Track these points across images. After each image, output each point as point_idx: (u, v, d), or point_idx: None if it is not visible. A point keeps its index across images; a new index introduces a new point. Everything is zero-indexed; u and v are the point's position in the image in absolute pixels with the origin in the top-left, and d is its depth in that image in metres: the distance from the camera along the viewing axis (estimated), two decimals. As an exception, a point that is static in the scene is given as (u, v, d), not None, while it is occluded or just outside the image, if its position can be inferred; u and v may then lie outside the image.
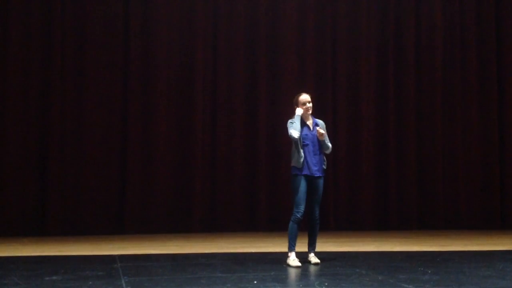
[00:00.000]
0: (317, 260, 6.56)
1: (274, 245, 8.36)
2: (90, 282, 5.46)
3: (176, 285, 5.39)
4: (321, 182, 6.54)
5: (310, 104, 6.60)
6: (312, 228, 6.64)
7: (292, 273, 6.01)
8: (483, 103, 11.28)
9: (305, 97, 6.63)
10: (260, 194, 10.45)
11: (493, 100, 11.28)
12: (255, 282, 5.51)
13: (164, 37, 10.43)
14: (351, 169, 10.90)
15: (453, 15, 11.31)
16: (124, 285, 5.36)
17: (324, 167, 6.59)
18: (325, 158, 6.63)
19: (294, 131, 6.44)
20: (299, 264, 6.35)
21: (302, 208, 6.42)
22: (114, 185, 10.18)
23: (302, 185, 6.42)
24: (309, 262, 6.55)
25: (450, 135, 11.19)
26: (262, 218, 10.41)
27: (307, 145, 6.51)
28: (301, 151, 6.47)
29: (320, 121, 6.73)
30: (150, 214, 10.21)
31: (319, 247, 8.23)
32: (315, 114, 10.68)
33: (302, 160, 6.44)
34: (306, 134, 6.54)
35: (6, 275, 5.85)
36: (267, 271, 6.12)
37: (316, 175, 6.49)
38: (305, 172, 6.45)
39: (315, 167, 6.49)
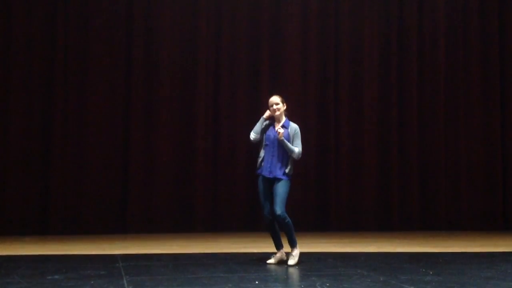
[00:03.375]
0: (289, 262, 6.51)
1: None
2: (92, 282, 5.46)
3: (177, 284, 5.40)
4: (278, 183, 6.45)
5: (277, 106, 6.55)
6: (280, 227, 6.58)
7: (294, 273, 6.01)
8: (486, 103, 11.26)
9: (271, 99, 6.65)
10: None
11: (496, 101, 11.26)
12: (257, 282, 5.52)
13: (166, 38, 10.44)
14: (353, 169, 10.90)
15: (456, 15, 11.29)
16: (126, 284, 5.36)
17: (286, 170, 6.48)
18: (289, 162, 6.50)
19: (252, 132, 6.61)
20: (269, 261, 6.60)
21: (265, 208, 6.56)
22: (116, 185, 10.19)
23: (260, 186, 6.58)
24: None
25: (453, 136, 11.18)
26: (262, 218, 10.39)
27: (267, 145, 6.55)
28: (262, 151, 6.57)
29: (293, 125, 6.61)
30: (152, 214, 10.22)
31: (321, 248, 8.24)
32: (316, 114, 10.79)
33: (259, 160, 6.57)
34: (269, 135, 6.56)
35: (8, 274, 5.86)
36: (268, 271, 6.12)
37: (266, 176, 6.50)
38: (261, 171, 6.56)
39: (268, 169, 6.49)
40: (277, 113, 6.58)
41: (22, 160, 9.87)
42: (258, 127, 6.62)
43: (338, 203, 10.78)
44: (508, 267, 6.50)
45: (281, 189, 6.46)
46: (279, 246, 6.68)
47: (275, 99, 6.62)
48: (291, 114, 11.10)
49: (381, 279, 5.71)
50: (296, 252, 6.60)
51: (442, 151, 11.11)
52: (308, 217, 10.68)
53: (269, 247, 7.66)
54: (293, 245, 6.61)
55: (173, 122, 10.42)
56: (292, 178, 6.61)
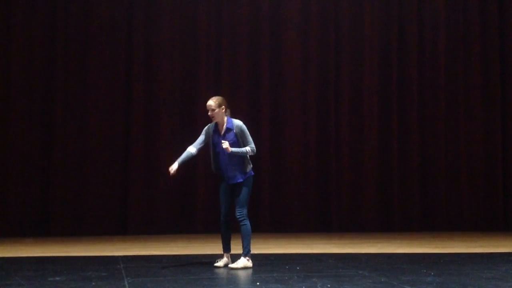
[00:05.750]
0: (234, 265, 6.38)
1: (276, 246, 8.36)
2: (93, 283, 5.47)
3: (178, 286, 5.40)
4: (239, 187, 6.35)
5: (212, 112, 6.33)
6: (240, 230, 6.46)
7: (295, 274, 6.01)
8: (486, 104, 11.25)
9: (207, 104, 6.40)
10: (263, 195, 10.45)
11: (496, 101, 11.25)
12: (258, 283, 5.52)
13: (166, 43, 10.44)
14: (354, 170, 10.89)
15: (456, 15, 11.28)
16: (127, 285, 5.37)
17: (245, 170, 6.35)
18: (244, 161, 6.34)
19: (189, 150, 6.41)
20: (216, 264, 6.48)
21: (222, 210, 6.49)
22: (117, 186, 10.20)
23: (221, 188, 6.49)
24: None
25: (453, 137, 11.17)
26: (265, 219, 10.41)
27: (218, 153, 6.38)
28: (213, 158, 6.43)
29: (236, 123, 6.40)
30: (153, 215, 10.23)
31: (322, 249, 8.24)
32: (317, 115, 10.79)
33: (212, 166, 6.45)
34: (217, 143, 6.38)
35: (10, 276, 5.87)
36: (269, 272, 6.12)
37: (229, 183, 6.40)
38: (222, 179, 6.45)
39: (228, 176, 6.37)
40: (216, 119, 6.38)
41: (22, 162, 9.88)
42: (200, 137, 6.42)
43: (339, 204, 10.78)
44: (509, 267, 6.49)
45: (241, 191, 6.35)
46: (225, 249, 6.55)
47: (209, 104, 6.35)
48: (292, 116, 11.11)
49: (382, 280, 5.71)
50: (242, 261, 6.36)
51: (443, 151, 11.10)
52: (309, 218, 10.68)
53: (269, 248, 7.67)
54: (243, 252, 6.39)
55: (173, 123, 10.42)
56: (252, 171, 6.46)
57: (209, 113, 6.39)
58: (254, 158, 6.65)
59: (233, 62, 10.70)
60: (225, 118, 6.42)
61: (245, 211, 6.36)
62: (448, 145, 11.16)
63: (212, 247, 8.36)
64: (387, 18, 11.15)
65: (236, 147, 6.31)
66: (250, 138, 6.40)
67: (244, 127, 6.42)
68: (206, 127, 6.49)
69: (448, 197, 11.06)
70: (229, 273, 6.11)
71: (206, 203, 10.36)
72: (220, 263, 6.50)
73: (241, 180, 6.36)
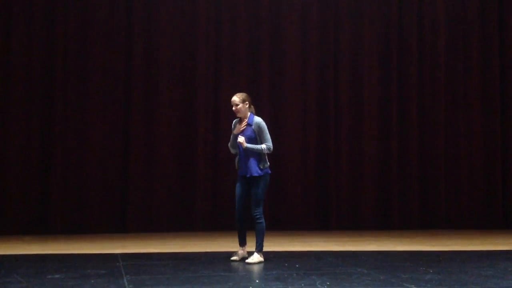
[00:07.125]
0: (250, 260, 6.56)
1: (276, 244, 8.36)
2: (92, 281, 5.47)
3: (177, 283, 5.41)
4: (255, 183, 6.56)
5: (236, 107, 6.63)
6: (254, 227, 6.68)
7: (294, 272, 6.02)
8: (486, 103, 11.25)
9: (231, 100, 6.70)
10: (262, 193, 10.44)
11: (496, 100, 11.25)
12: (257, 281, 5.53)
13: (166, 40, 10.41)
14: (353, 168, 10.89)
15: (456, 14, 11.27)
16: (126, 283, 5.37)
17: (260, 166, 6.57)
18: (262, 157, 6.59)
19: (230, 148, 6.78)
20: (233, 258, 6.67)
21: (236, 207, 6.68)
22: (116, 184, 10.19)
23: (237, 185, 6.70)
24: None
25: (453, 134, 11.18)
26: (264, 217, 10.38)
27: (239, 146, 6.64)
28: (237, 152, 6.70)
29: (256, 120, 6.64)
30: (152, 213, 10.23)
31: (321, 246, 8.25)
32: (316, 114, 10.79)
33: (236, 160, 6.71)
34: (239, 136, 6.61)
35: (9, 273, 5.87)
36: (269, 270, 6.13)
37: (247, 175, 6.58)
38: (239, 172, 6.68)
39: (245, 168, 6.59)
40: (240, 114, 6.65)
41: (22, 159, 9.86)
42: (232, 141, 6.70)
43: (338, 202, 10.77)
44: (508, 265, 6.50)
45: (257, 188, 6.58)
46: (241, 244, 6.75)
47: (233, 100, 6.67)
48: (291, 115, 11.12)
49: (381, 277, 5.72)
50: (257, 256, 6.60)
51: (442, 150, 11.09)
52: (308, 216, 10.68)
53: (270, 246, 7.67)
54: (257, 248, 6.64)
55: (173, 121, 10.41)
56: (269, 169, 6.73)
57: (233, 108, 6.68)
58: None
59: (233, 62, 10.68)
60: (248, 114, 6.67)
61: (261, 209, 6.60)
62: (448, 144, 11.15)
63: (211, 245, 8.38)
64: (387, 18, 11.14)
65: (253, 143, 6.54)
66: (268, 136, 6.64)
67: (263, 124, 6.64)
68: (234, 122, 6.78)
69: (447, 195, 11.05)
70: (228, 272, 6.11)
71: (205, 201, 10.36)
72: (236, 257, 6.68)
73: (256, 174, 6.56)
